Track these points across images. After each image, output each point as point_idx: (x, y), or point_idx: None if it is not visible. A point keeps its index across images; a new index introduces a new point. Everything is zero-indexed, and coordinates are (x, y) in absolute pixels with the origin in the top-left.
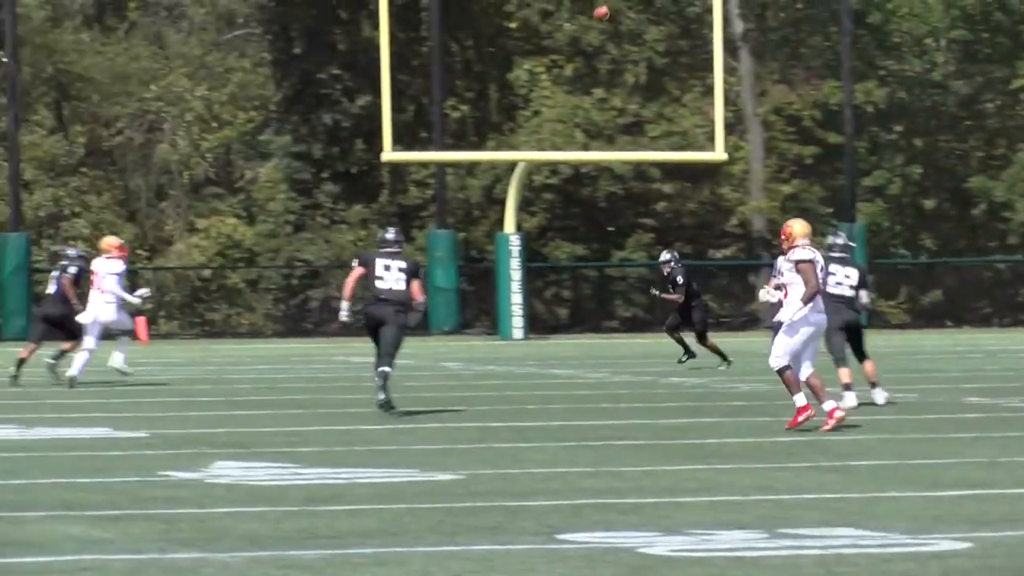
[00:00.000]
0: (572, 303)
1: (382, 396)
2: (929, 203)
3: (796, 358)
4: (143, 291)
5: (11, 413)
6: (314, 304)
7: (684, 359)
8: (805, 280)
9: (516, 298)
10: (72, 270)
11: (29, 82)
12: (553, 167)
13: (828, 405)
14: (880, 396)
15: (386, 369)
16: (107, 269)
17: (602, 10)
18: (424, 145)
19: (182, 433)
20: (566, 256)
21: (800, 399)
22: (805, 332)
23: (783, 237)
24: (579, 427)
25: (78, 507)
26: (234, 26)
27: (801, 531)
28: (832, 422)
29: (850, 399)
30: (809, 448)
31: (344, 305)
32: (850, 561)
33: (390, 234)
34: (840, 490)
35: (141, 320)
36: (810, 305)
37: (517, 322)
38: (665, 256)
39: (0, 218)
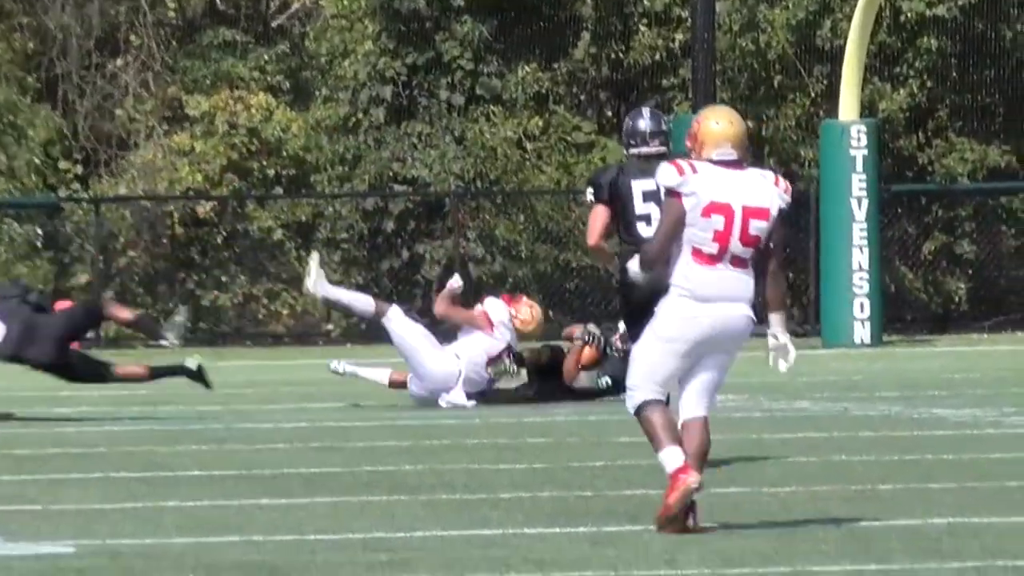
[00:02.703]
0: (976, 276)
1: None
2: None
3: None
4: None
5: None
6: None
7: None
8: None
9: (860, 259)
10: None
11: None
12: None
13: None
14: None
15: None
16: None
17: None
18: None
19: (145, 546)
20: (966, 170)
21: (672, 455)
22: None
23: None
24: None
25: None
26: None
27: None
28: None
29: None
30: None
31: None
32: None
33: (644, 121)
34: None
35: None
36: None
37: (862, 309)
38: None
39: None
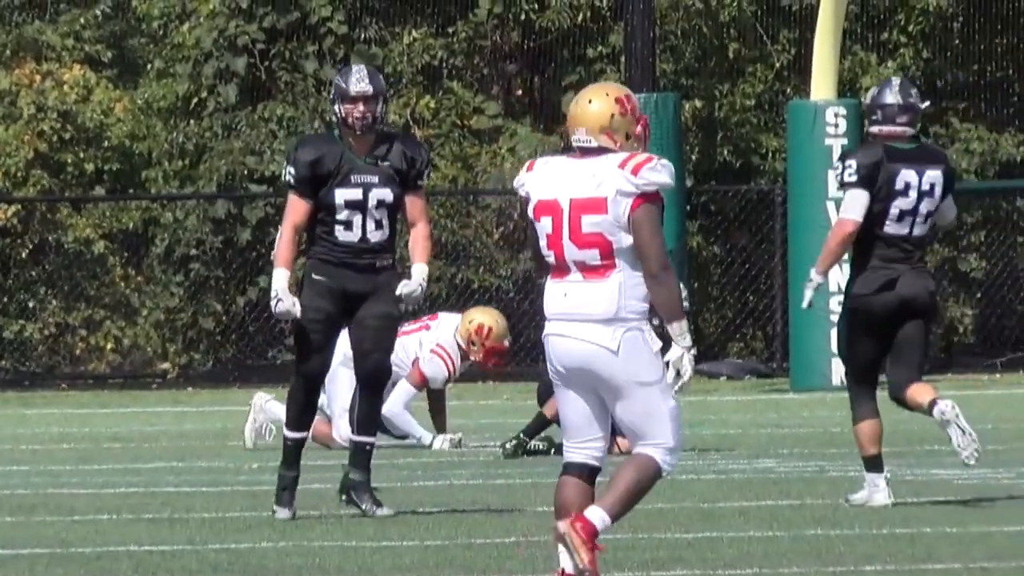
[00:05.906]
0: (985, 300)
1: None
2: None
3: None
4: None
5: None
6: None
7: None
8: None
9: (839, 279)
10: None
11: None
12: None
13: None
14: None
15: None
16: None
17: None
18: None
19: None
20: (972, 165)
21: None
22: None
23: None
24: None
25: None
26: None
27: None
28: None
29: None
30: None
31: (278, 281)
32: None
33: (358, 82)
34: None
35: None
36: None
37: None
38: None
39: None
